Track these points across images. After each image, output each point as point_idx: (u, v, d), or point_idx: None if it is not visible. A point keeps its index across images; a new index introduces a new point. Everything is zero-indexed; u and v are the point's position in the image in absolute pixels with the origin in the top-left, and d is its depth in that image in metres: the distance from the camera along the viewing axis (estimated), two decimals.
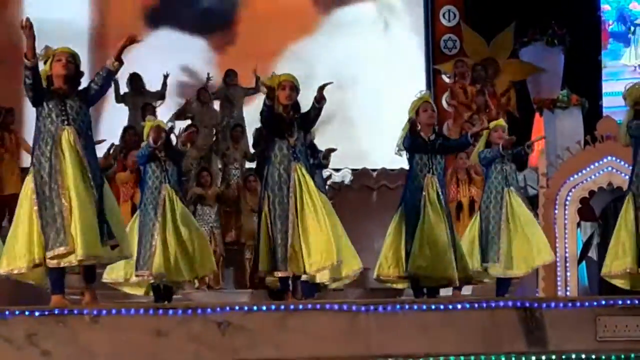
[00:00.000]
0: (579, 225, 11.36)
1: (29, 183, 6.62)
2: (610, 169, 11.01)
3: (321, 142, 10.13)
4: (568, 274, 10.89)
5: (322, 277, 9.01)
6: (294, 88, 7.66)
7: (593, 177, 11.07)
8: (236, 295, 11.25)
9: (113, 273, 8.83)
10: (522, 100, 14.36)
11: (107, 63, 6.74)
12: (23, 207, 6.62)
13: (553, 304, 6.80)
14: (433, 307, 6.70)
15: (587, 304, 6.83)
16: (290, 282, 7.69)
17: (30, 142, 7.06)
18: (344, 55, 15.26)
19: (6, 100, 12.39)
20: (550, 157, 11.42)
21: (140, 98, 13.59)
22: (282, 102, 7.64)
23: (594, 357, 6.61)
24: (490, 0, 15.27)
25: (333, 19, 15.91)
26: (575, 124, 12.38)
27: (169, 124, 9.72)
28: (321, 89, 7.64)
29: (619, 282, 8.22)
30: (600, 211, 11.60)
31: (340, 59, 15.18)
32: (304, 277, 8.11)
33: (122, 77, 13.26)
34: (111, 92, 13.52)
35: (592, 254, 11.83)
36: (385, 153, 10.46)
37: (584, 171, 11.09)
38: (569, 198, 11.03)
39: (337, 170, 13.40)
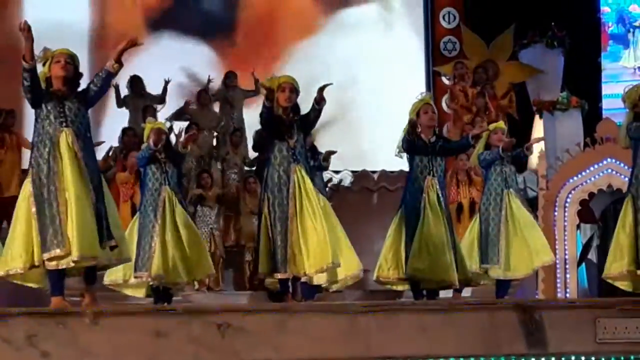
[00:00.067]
0: (578, 227, 11.34)
1: (27, 185, 6.62)
2: (609, 171, 11.00)
3: (321, 143, 10.13)
4: (568, 275, 10.88)
5: (319, 280, 9.02)
6: (294, 90, 7.67)
7: (593, 179, 11.06)
8: (236, 297, 11.25)
9: (112, 274, 8.85)
10: (521, 102, 14.33)
11: (106, 65, 6.72)
12: (21, 209, 6.61)
13: (553, 306, 6.79)
14: (433, 308, 6.70)
15: (586, 305, 6.84)
16: (290, 283, 7.70)
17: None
18: (344, 57, 15.25)
19: (6, 101, 12.35)
20: (550, 159, 11.41)
21: (140, 100, 13.57)
22: (282, 104, 7.64)
23: (593, 359, 6.60)
24: (490, 2, 15.26)
25: (333, 21, 15.89)
26: (574, 126, 12.35)
27: (167, 124, 9.72)
28: (321, 90, 7.64)
29: (621, 284, 8.19)
30: (600, 213, 11.59)
31: (341, 61, 15.18)
32: (303, 279, 8.12)
33: (123, 80, 13.25)
34: (113, 95, 13.54)
35: (592, 256, 11.82)
36: (386, 155, 10.45)
37: (583, 173, 11.07)
38: (568, 200, 11.02)
39: (337, 172, 13.40)
